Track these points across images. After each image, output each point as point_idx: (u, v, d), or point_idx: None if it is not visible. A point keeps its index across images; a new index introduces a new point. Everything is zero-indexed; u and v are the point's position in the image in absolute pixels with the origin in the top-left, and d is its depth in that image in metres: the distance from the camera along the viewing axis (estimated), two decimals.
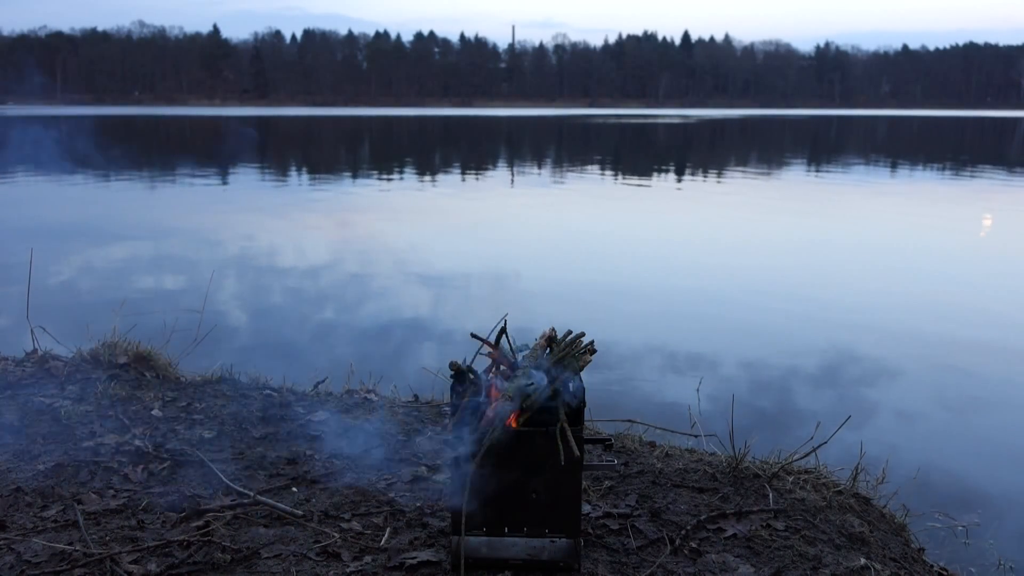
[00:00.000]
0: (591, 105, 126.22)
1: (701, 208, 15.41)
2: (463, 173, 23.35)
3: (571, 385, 2.39)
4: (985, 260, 10.30)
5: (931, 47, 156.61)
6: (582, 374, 2.42)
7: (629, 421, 3.76)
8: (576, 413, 2.34)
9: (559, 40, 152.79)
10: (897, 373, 5.76)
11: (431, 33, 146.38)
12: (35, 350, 4.36)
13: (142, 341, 4.36)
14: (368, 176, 21.74)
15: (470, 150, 34.96)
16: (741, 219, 13.66)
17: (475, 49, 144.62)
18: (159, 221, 12.74)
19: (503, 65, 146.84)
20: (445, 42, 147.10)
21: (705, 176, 22.34)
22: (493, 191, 18.04)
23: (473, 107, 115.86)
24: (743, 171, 24.05)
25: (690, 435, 3.61)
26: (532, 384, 2.28)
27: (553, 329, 2.60)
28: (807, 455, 3.22)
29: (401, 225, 12.64)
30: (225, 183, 19.69)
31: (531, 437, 2.30)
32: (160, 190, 18.14)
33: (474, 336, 2.44)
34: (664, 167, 26.23)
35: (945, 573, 2.92)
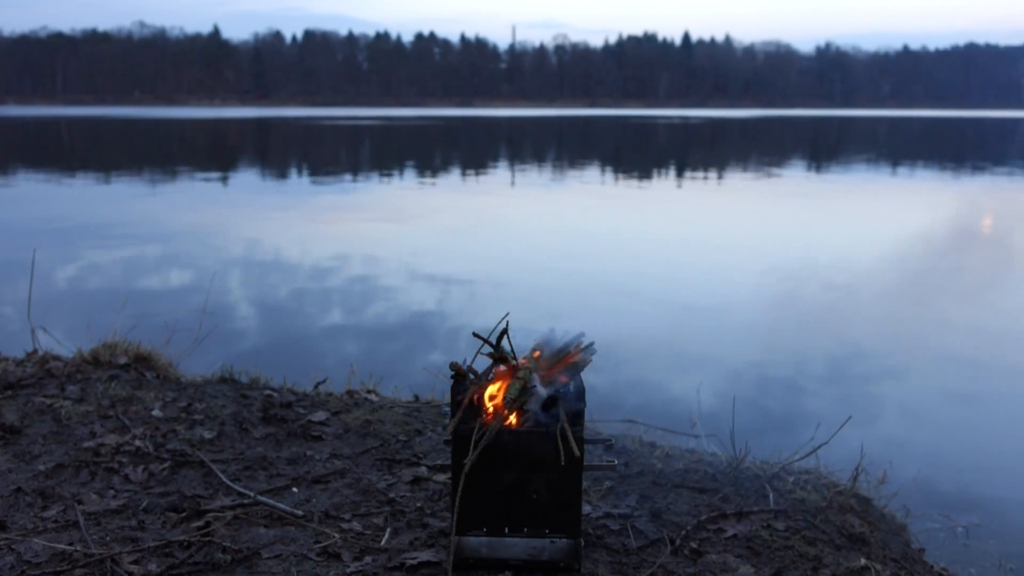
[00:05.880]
0: (591, 105, 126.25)
1: (703, 208, 15.41)
2: (464, 173, 23.35)
3: (571, 385, 2.39)
4: (987, 259, 10.30)
5: (931, 47, 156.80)
6: (582, 374, 2.42)
7: (629, 421, 3.76)
8: (576, 413, 2.33)
9: (559, 40, 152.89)
10: (898, 373, 5.76)
11: (431, 33, 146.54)
12: (35, 350, 4.37)
13: (142, 341, 4.37)
14: (369, 176, 21.75)
15: (472, 150, 34.96)
16: (743, 219, 13.66)
17: (476, 49, 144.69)
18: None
19: (503, 65, 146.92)
20: (445, 42, 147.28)
21: (707, 176, 22.34)
22: (493, 191, 18.04)
23: (473, 107, 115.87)
24: (745, 171, 24.06)
25: (690, 435, 3.61)
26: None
27: (551, 329, 2.60)
28: (808, 455, 3.22)
29: (403, 225, 12.64)
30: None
31: (531, 437, 2.30)
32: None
33: (476, 336, 2.44)
34: (666, 167, 26.24)
35: (945, 574, 2.92)
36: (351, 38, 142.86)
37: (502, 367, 2.42)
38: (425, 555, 2.46)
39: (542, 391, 2.32)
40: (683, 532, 2.64)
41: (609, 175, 22.83)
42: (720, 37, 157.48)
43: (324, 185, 19.54)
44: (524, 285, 8.47)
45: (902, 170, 25.03)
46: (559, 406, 2.32)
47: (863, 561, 2.55)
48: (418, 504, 2.82)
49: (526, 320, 2.74)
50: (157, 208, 14.53)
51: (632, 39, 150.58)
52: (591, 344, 2.49)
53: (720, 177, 21.98)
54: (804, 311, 7.49)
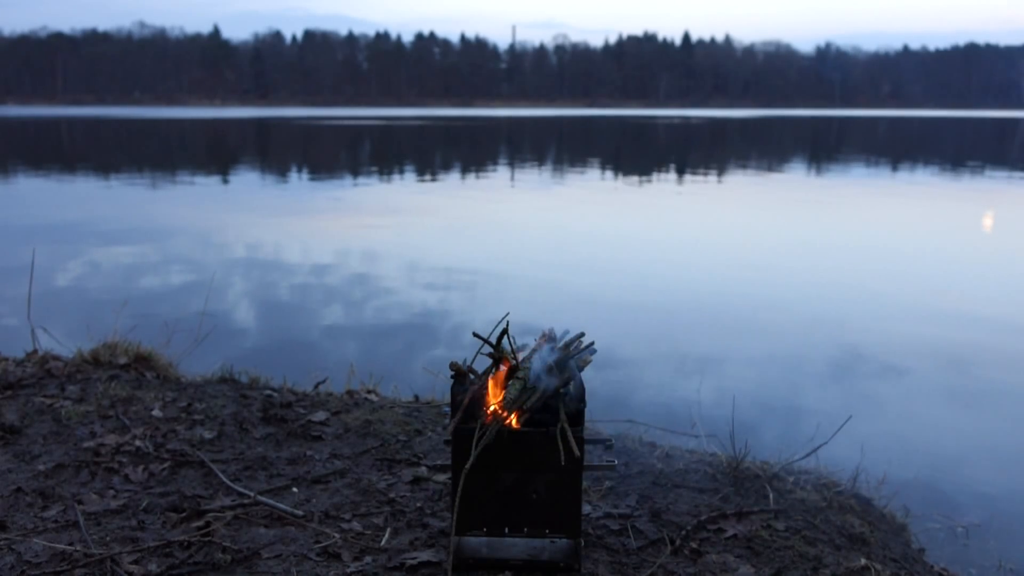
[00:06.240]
0: (591, 105, 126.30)
1: (702, 208, 15.41)
2: (464, 174, 23.35)
3: (571, 385, 2.39)
4: (986, 259, 10.30)
5: (931, 47, 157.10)
6: (582, 374, 2.42)
7: (629, 421, 3.77)
8: (576, 413, 2.34)
9: (559, 40, 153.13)
10: (898, 373, 5.76)
11: (431, 33, 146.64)
12: (35, 350, 4.37)
13: (142, 341, 4.37)
14: (369, 177, 21.76)
15: (472, 150, 34.96)
16: (743, 219, 13.66)
17: (476, 49, 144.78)
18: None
19: (503, 65, 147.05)
20: (445, 42, 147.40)
21: (707, 176, 22.34)
22: (493, 192, 18.05)
23: (473, 107, 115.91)
24: (745, 171, 24.06)
25: (690, 435, 3.61)
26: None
27: (551, 329, 2.60)
28: (808, 455, 3.23)
29: (403, 225, 12.64)
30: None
31: (531, 437, 2.30)
32: None
33: (476, 335, 2.44)
34: (667, 167, 26.24)
35: (945, 574, 2.92)
36: (351, 38, 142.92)
37: (502, 367, 2.42)
38: (425, 555, 2.46)
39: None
40: (683, 532, 2.64)
41: (609, 175, 22.83)
42: (720, 37, 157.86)
43: (324, 185, 19.54)
44: (524, 285, 8.47)
45: (902, 171, 25.04)
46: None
47: (863, 561, 2.55)
48: (418, 504, 2.82)
49: (528, 320, 2.74)
50: (157, 208, 14.54)
51: (632, 39, 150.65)
52: (591, 344, 2.49)
53: (720, 178, 21.98)
54: (804, 311, 7.50)
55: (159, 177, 20.76)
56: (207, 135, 45.70)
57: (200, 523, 2.63)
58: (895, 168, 25.78)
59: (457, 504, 2.29)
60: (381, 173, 23.09)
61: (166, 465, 3.08)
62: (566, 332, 2.55)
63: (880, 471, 3.29)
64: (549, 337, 2.55)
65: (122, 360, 4.20)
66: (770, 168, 25.69)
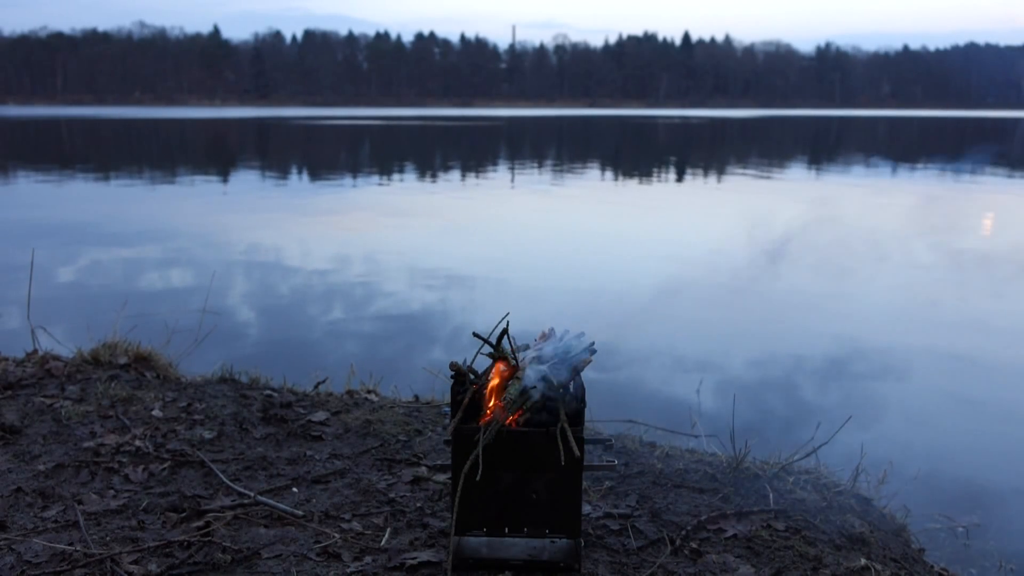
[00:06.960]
0: (591, 106, 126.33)
1: (703, 208, 15.41)
2: (463, 174, 23.35)
3: (571, 385, 2.39)
4: (987, 260, 10.29)
5: (931, 47, 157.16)
6: (582, 374, 2.42)
7: (629, 421, 3.76)
8: (576, 413, 2.34)
9: (560, 41, 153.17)
10: (898, 374, 5.76)
11: (431, 33, 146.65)
12: (35, 350, 4.37)
13: (142, 341, 4.37)
14: (368, 177, 21.76)
15: (472, 150, 34.95)
16: (742, 219, 13.65)
17: (476, 49, 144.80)
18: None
19: (503, 65, 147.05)
20: (445, 42, 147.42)
21: (707, 176, 22.34)
22: (492, 192, 18.04)
23: (473, 107, 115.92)
24: (745, 171, 24.05)
25: (690, 435, 3.61)
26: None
27: (551, 328, 2.60)
28: (808, 455, 3.22)
29: (403, 225, 12.64)
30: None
31: (531, 437, 2.30)
32: None
33: (476, 335, 2.44)
34: (667, 167, 26.24)
35: (946, 574, 2.92)
36: (351, 38, 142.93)
37: (502, 367, 2.42)
38: (425, 555, 2.46)
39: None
40: (683, 532, 2.64)
41: (609, 175, 22.83)
42: (720, 37, 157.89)
43: (324, 186, 19.54)
44: (525, 285, 8.47)
45: (903, 171, 25.04)
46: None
47: (863, 561, 2.55)
48: (418, 504, 2.82)
49: (528, 320, 2.74)
50: (157, 208, 14.54)
51: (632, 39, 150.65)
52: (592, 344, 2.49)
53: (721, 178, 21.97)
54: (804, 311, 7.50)
55: (159, 177, 20.75)
56: (207, 135, 45.70)
57: (200, 523, 2.63)
58: (894, 169, 25.77)
59: (457, 504, 2.29)
60: (381, 174, 23.08)
61: (166, 465, 3.08)
62: (566, 331, 2.55)
63: (880, 471, 3.28)
64: (549, 336, 2.55)
65: (122, 360, 4.20)
66: (770, 168, 25.68)
